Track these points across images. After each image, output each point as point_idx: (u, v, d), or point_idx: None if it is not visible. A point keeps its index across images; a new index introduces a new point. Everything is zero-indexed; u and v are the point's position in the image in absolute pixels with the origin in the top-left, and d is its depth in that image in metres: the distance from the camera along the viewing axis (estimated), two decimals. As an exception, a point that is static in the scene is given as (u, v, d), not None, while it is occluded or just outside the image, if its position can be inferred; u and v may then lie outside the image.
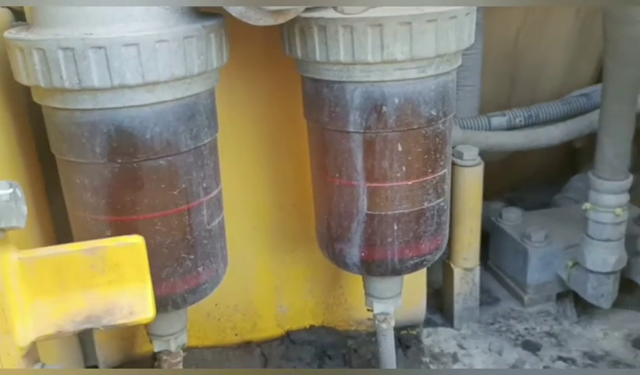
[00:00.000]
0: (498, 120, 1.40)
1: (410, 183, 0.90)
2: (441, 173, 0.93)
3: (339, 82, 0.85)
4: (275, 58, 0.99)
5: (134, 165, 0.79)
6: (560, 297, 1.43)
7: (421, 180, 0.90)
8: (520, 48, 1.64)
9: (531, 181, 1.91)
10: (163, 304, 0.87)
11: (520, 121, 1.40)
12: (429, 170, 0.91)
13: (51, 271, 0.61)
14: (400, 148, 0.87)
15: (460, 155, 1.25)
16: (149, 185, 0.81)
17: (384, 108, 0.85)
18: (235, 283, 1.12)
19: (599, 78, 1.70)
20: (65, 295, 0.62)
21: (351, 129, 0.87)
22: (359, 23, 0.79)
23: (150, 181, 0.81)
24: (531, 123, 1.42)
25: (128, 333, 1.12)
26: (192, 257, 0.87)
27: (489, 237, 1.52)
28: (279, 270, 1.18)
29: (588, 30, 1.66)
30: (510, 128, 1.41)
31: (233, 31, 0.85)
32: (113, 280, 0.63)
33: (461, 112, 1.44)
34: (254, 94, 1.05)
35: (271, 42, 0.95)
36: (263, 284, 1.18)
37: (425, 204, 0.92)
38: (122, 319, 0.63)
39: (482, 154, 1.29)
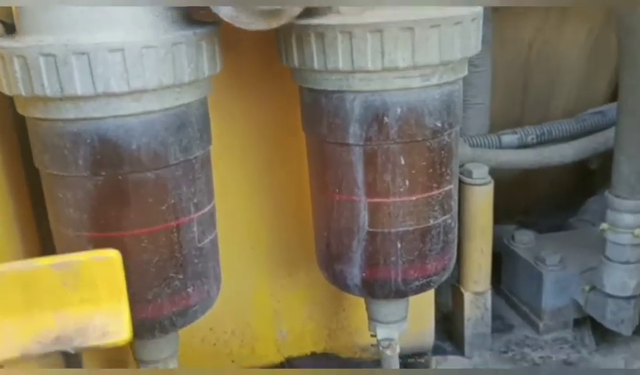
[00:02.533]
0: (509, 138, 1.35)
1: (414, 198, 0.85)
2: (447, 188, 0.88)
3: (338, 91, 0.81)
4: (271, 67, 0.94)
5: (119, 178, 0.75)
6: (577, 323, 1.35)
7: (425, 195, 0.85)
8: (532, 63, 1.59)
9: (544, 204, 1.85)
10: (150, 327, 0.82)
11: (532, 139, 1.35)
12: (434, 185, 0.86)
13: (19, 288, 0.57)
14: (402, 161, 0.83)
15: (469, 174, 1.20)
16: (135, 199, 0.76)
17: (385, 118, 0.80)
18: (231, 306, 1.07)
19: (613, 96, 1.65)
20: (34, 314, 0.57)
21: (351, 141, 0.82)
22: (358, 29, 0.75)
23: (136, 195, 0.76)
24: (543, 141, 1.36)
25: (117, 359, 1.06)
26: (181, 277, 0.82)
27: (501, 260, 1.46)
28: (278, 292, 1.13)
29: (602, 45, 1.61)
30: (522, 146, 1.36)
31: (228, 39, 0.82)
32: (86, 299, 0.58)
33: (470, 131, 1.39)
34: (250, 105, 1.01)
35: (267, 51, 0.91)
36: (261, 307, 1.13)
37: (431, 221, 0.87)
38: (94, 340, 0.58)
39: (492, 173, 1.24)
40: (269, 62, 0.93)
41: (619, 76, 1.14)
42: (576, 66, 1.60)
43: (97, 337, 0.58)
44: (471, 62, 1.41)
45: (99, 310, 0.58)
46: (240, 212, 1.06)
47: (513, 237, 1.45)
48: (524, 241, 1.43)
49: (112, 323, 0.58)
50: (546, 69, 1.60)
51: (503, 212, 1.35)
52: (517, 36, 1.55)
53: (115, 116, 0.72)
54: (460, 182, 1.16)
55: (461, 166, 1.20)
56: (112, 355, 1.04)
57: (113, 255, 0.59)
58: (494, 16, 1.36)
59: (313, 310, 1.15)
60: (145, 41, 0.70)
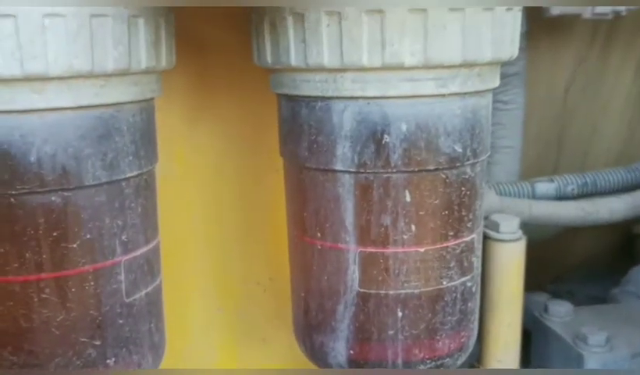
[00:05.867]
0: (544, 187, 1.12)
1: (422, 250, 0.62)
2: (468, 238, 0.65)
3: (323, 98, 0.60)
4: (254, 81, 0.76)
5: (11, 200, 0.54)
6: (626, 422, 1.11)
7: (438, 246, 0.63)
8: (569, 109, 1.40)
9: (579, 272, 1.63)
10: (49, 412, 0.59)
11: (573, 189, 1.12)
12: (451, 233, 0.63)
13: None
14: (407, 198, 0.61)
15: (495, 227, 0.98)
16: (33, 232, 0.55)
17: (386, 137, 0.59)
18: (189, 382, 0.86)
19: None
20: None
21: (339, 167, 0.61)
22: (351, 8, 0.55)
23: (34, 226, 0.55)
24: (586, 193, 1.14)
25: None
26: (98, 343, 0.60)
27: (530, 336, 1.22)
28: (248, 366, 0.90)
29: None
30: (560, 198, 1.14)
31: (194, 36, 0.63)
32: None
33: (498, 179, 1.19)
34: (224, 128, 0.82)
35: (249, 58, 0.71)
36: (227, 385, 0.90)
37: (444, 282, 0.64)
38: None
39: (522, 229, 1.02)
40: (252, 74, 0.73)
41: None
42: (622, 111, 1.41)
43: None
44: (500, 99, 1.22)
45: None
46: (207, 264, 0.86)
47: (545, 309, 1.21)
48: (559, 313, 1.18)
49: None
50: (587, 114, 1.41)
51: (531, 279, 1.14)
52: (552, 74, 1.37)
53: (6, 112, 0.52)
54: (485, 237, 0.95)
55: (486, 217, 0.99)
56: None
57: None
58: (529, 46, 1.17)
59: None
60: (50, 8, 0.50)
